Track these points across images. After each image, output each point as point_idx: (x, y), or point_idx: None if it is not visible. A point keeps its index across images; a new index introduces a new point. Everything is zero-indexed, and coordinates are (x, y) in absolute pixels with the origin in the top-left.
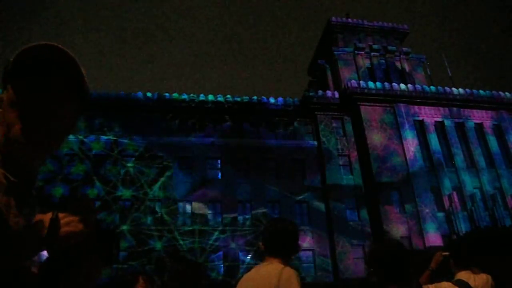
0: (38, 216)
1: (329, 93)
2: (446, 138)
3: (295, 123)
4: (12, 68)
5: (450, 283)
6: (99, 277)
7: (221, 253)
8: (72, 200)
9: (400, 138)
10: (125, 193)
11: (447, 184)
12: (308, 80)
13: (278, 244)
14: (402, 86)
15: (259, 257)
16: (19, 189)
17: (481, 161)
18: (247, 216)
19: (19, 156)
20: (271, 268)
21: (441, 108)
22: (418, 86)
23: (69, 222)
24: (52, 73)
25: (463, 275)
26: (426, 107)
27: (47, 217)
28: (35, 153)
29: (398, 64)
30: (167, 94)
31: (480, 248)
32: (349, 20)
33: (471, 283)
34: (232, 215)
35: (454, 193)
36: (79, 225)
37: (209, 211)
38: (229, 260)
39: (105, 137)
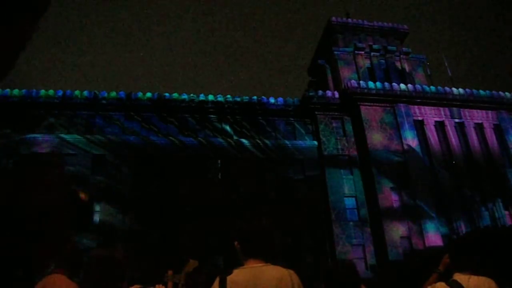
0: None
1: (329, 93)
2: (446, 138)
3: (295, 123)
4: None
5: (444, 284)
6: None
7: None
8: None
9: (400, 138)
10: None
11: (447, 184)
12: (308, 80)
13: (261, 244)
14: (402, 86)
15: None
16: None
17: (481, 161)
18: None
19: None
20: (277, 271)
21: (441, 108)
22: (418, 86)
23: None
24: None
25: (459, 276)
26: (426, 107)
27: None
28: None
29: (398, 64)
30: (167, 94)
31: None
32: (349, 20)
33: (464, 283)
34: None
35: (454, 193)
36: None
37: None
38: None
39: (103, 138)
